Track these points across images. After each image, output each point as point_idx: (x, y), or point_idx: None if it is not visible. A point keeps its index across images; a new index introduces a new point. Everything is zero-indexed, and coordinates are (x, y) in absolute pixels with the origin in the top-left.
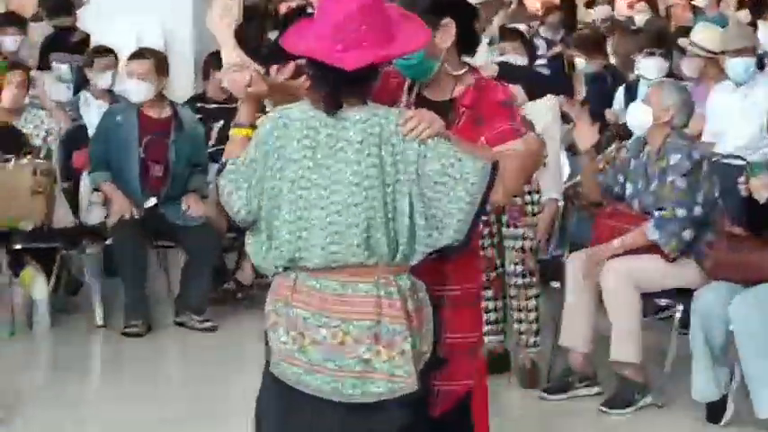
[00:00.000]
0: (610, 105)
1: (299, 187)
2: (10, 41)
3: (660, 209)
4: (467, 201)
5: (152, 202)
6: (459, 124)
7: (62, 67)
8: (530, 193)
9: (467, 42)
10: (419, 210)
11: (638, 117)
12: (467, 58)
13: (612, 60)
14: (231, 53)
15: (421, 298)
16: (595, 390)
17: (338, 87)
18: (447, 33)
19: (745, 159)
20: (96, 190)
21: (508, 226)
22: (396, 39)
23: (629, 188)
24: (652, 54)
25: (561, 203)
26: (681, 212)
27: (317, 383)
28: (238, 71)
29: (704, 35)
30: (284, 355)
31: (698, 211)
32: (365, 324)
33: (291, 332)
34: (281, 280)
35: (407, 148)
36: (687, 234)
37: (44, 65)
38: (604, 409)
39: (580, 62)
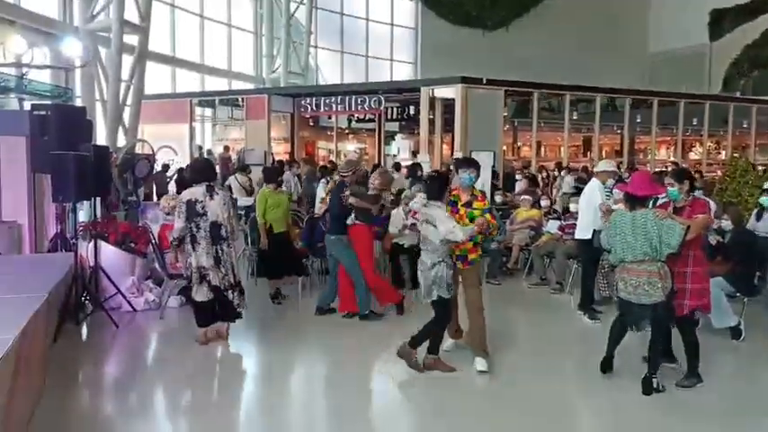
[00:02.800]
0: None
1: (623, 232)
2: None
3: None
4: (676, 239)
5: None
6: (687, 212)
7: None
8: None
9: (692, 189)
10: (663, 240)
11: None
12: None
13: None
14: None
15: (666, 270)
16: None
17: (633, 201)
18: (685, 186)
19: None
20: None
21: None
22: (656, 189)
23: None
24: None
25: None
26: None
27: (630, 297)
28: None
29: None
30: (621, 288)
31: None
32: (645, 279)
33: (623, 282)
34: (619, 267)
35: (657, 222)
36: None
37: None
38: None
39: None
